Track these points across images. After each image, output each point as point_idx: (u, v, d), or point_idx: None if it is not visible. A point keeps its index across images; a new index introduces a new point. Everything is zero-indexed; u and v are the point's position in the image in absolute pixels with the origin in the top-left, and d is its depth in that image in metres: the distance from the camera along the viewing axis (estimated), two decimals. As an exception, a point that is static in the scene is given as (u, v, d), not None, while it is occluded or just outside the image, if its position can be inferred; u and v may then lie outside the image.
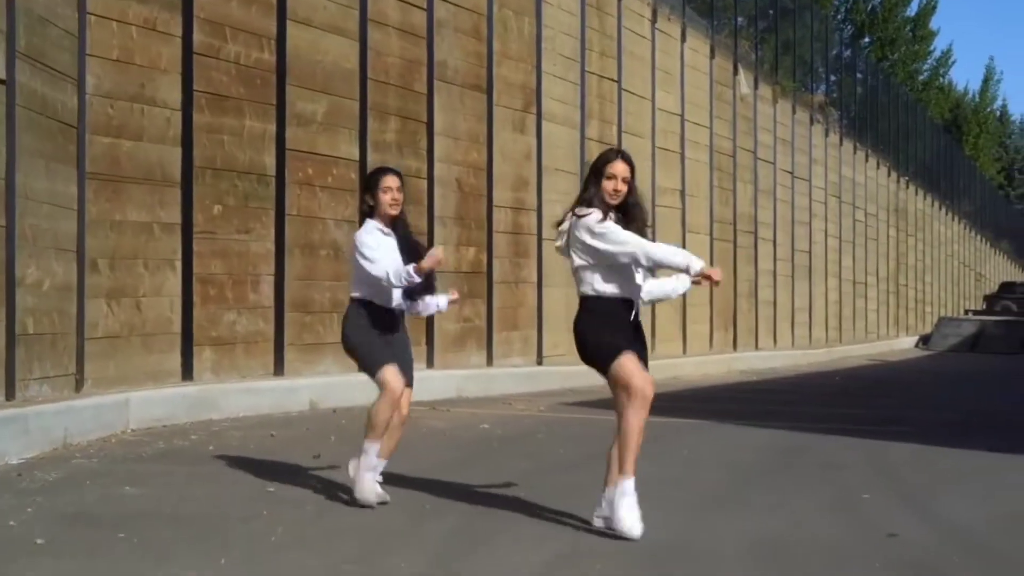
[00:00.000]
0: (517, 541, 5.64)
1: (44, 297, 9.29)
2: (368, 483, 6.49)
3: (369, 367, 6.64)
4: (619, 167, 6.00)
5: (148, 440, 9.11)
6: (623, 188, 5.98)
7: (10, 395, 8.71)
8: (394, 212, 6.78)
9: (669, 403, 13.78)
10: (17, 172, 8.81)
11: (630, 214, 6.05)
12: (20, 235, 8.87)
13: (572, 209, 6.12)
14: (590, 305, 6.00)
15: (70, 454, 8.22)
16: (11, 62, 8.78)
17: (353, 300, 6.79)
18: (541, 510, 6.39)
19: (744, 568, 5.19)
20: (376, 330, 6.73)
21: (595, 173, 6.07)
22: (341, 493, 6.76)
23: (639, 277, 6.01)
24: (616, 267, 5.91)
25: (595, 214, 5.94)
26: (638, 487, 5.69)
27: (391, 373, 6.57)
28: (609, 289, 5.93)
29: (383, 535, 5.73)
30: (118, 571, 4.94)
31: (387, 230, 6.79)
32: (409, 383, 6.69)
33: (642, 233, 6.00)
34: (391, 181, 6.82)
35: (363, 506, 6.41)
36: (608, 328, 5.93)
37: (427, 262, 6.48)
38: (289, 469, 7.70)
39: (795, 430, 10.91)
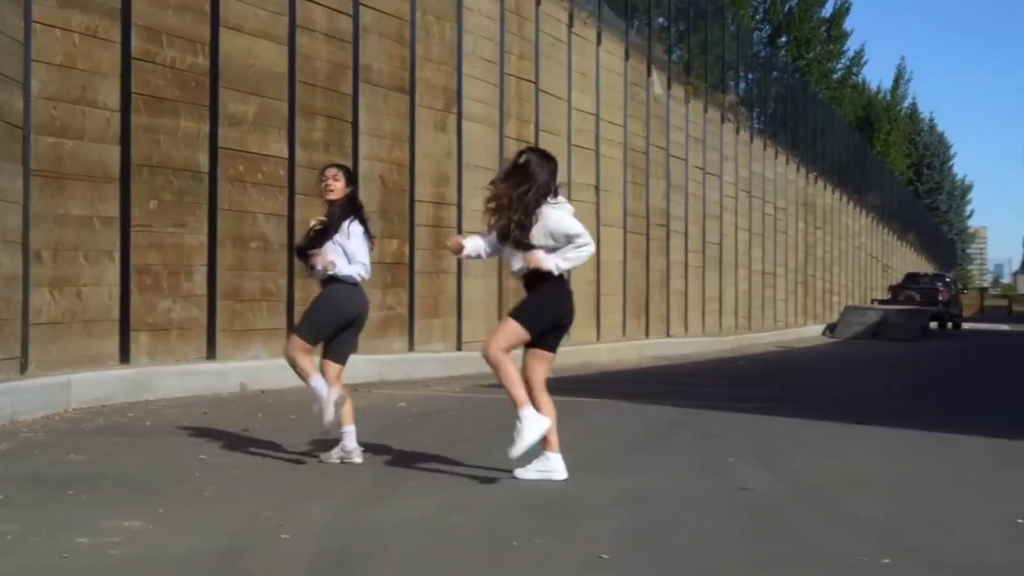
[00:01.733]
0: (417, 492, 6.58)
1: (-6, 286, 10.06)
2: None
3: None
4: None
5: (89, 417, 9.92)
6: None
7: (-38, 376, 9.49)
8: (327, 198, 7.80)
9: (577, 385, 14.82)
10: (-30, 170, 9.58)
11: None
12: (-28, 228, 9.65)
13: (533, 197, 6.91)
14: None
15: (17, 429, 9.03)
16: (-36, 69, 9.55)
17: None
18: (443, 470, 7.35)
19: (607, 510, 6.16)
20: None
21: (553, 170, 7.05)
22: (266, 460, 7.66)
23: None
24: None
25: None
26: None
27: None
28: None
29: (302, 491, 6.62)
30: (71, 518, 5.76)
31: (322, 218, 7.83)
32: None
33: None
34: (326, 172, 7.90)
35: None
36: None
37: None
38: (220, 441, 8.56)
39: (688, 407, 11.95)
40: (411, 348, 16.28)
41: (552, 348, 7.02)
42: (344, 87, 15.02)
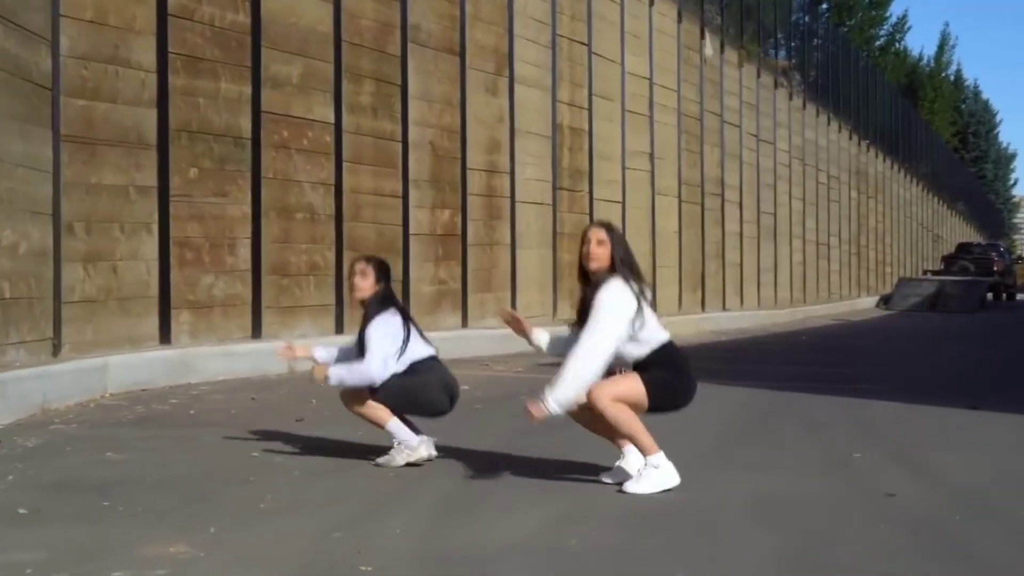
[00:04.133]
0: (513, 502, 5.60)
1: (20, 261, 9.18)
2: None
3: None
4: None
5: (127, 404, 9.04)
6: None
7: (-12, 360, 8.62)
8: (356, 296, 6.77)
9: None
10: (-6, 134, 8.69)
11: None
12: (-3, 198, 8.77)
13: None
14: None
15: (49, 419, 8.14)
16: (-14, 22, 8.65)
17: None
18: (534, 470, 6.39)
19: (746, 525, 5.19)
20: None
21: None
22: (327, 459, 6.74)
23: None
24: None
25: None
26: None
27: None
28: None
29: (375, 500, 5.66)
30: (107, 538, 4.84)
31: None
32: None
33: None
34: (354, 266, 6.82)
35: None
36: None
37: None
38: (273, 434, 7.62)
39: (771, 388, 10.97)
40: (464, 324, 15.38)
41: None
42: (392, 48, 14.07)
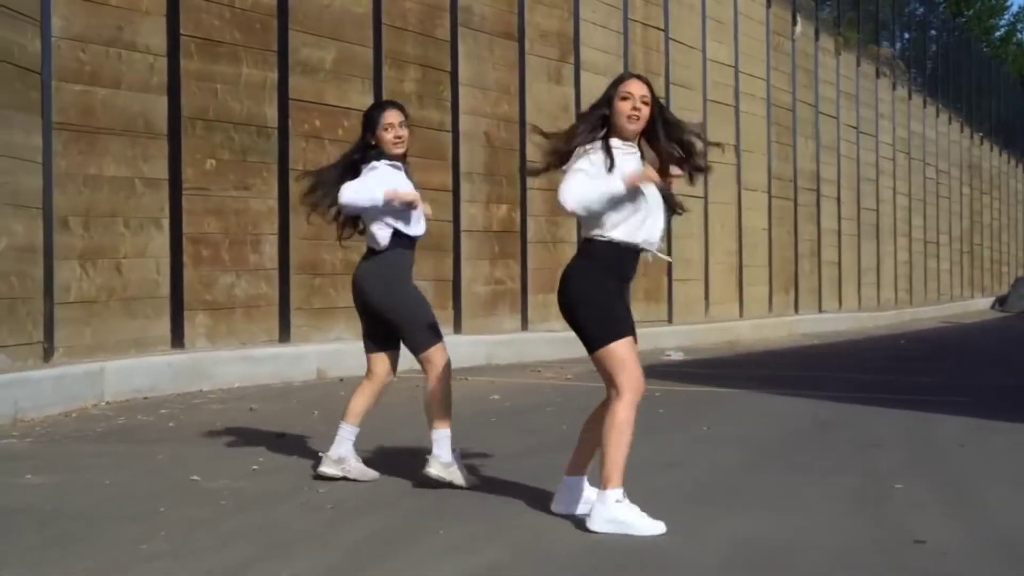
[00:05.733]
0: (447, 544, 4.64)
1: (1, 258, 8.48)
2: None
3: (422, 341, 5.94)
4: (635, 86, 5.04)
5: (112, 415, 8.28)
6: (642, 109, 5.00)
7: (-44, 365, 7.94)
8: (399, 151, 6.02)
9: (708, 369, 12.84)
10: (-38, 120, 8.01)
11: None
12: (-33, 190, 8.09)
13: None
14: (591, 251, 5.04)
15: (6, 432, 7.39)
16: (-45, -1, 7.97)
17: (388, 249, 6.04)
18: (502, 501, 5.45)
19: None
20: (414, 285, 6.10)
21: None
22: (276, 485, 5.86)
23: (654, 219, 5.01)
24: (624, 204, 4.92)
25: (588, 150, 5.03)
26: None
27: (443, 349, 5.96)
28: (617, 233, 4.95)
29: (286, 540, 4.73)
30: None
31: (397, 164, 6.04)
32: None
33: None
34: (392, 116, 6.00)
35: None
36: (606, 292, 4.92)
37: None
38: (238, 452, 6.78)
39: (839, 400, 9.84)
40: (524, 327, 14.46)
41: None
42: (440, 32, 13.21)
